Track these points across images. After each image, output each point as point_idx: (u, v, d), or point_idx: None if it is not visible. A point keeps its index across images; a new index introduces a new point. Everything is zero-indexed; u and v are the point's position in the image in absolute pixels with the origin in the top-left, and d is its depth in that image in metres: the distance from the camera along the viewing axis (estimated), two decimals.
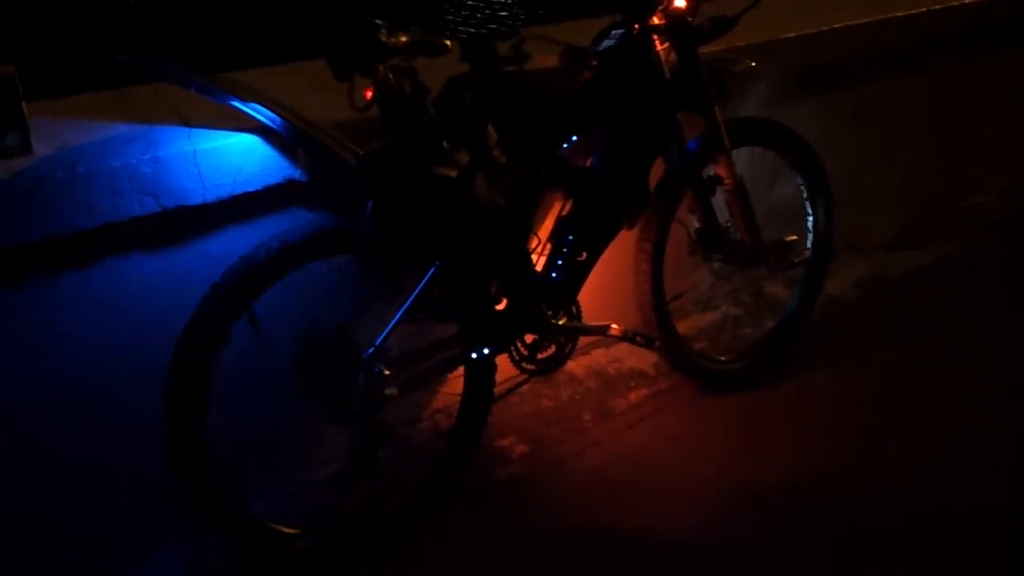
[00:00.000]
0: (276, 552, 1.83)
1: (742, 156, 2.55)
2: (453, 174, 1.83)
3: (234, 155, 1.72)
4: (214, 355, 1.65)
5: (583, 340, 2.37)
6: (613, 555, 1.96)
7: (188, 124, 1.74)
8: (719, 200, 2.35)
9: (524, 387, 2.53)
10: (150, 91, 1.84)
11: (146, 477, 1.72)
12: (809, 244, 2.66)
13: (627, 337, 2.15)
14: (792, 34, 2.67)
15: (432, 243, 1.85)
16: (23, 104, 1.54)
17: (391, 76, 1.74)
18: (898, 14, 2.93)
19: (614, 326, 2.16)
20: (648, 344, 2.16)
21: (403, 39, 1.73)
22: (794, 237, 2.42)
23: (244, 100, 1.69)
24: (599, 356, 2.70)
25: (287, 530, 1.84)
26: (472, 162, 1.88)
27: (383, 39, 1.69)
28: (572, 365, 2.67)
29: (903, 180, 3.22)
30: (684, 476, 2.19)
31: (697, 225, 2.38)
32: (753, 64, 2.35)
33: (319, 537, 1.89)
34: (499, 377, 2.08)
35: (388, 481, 2.03)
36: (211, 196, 1.72)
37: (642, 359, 2.64)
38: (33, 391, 1.66)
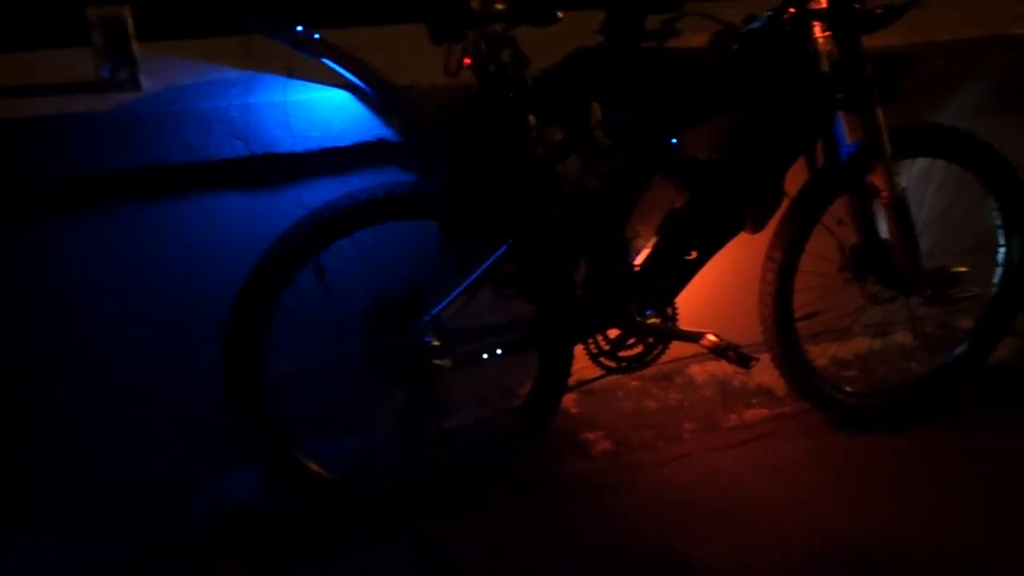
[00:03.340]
0: (316, 494, 1.89)
1: (919, 168, 2.23)
2: (539, 152, 1.75)
3: (325, 109, 1.76)
4: (275, 300, 1.71)
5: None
6: None
7: (291, 75, 1.80)
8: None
9: (632, 383, 2.44)
10: (270, 40, 1.91)
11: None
12: (996, 280, 2.27)
13: (720, 350, 1.96)
14: (1020, 31, 2.24)
15: (506, 220, 1.79)
16: (133, 43, 1.67)
17: (483, 44, 1.69)
18: None
19: (710, 336, 1.98)
20: (742, 363, 1.95)
21: (499, 6, 1.67)
22: (963, 269, 2.07)
23: (328, 58, 1.72)
24: (727, 364, 2.48)
25: (331, 476, 1.89)
26: (565, 141, 1.79)
27: (474, 6, 1.64)
28: (695, 368, 2.52)
29: None
30: (767, 514, 1.97)
31: (855, 240, 2.10)
32: (942, 63, 2.02)
33: (361, 491, 1.93)
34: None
35: (448, 451, 2.04)
36: (300, 147, 1.78)
37: (775, 376, 2.39)
38: (125, 311, 1.83)
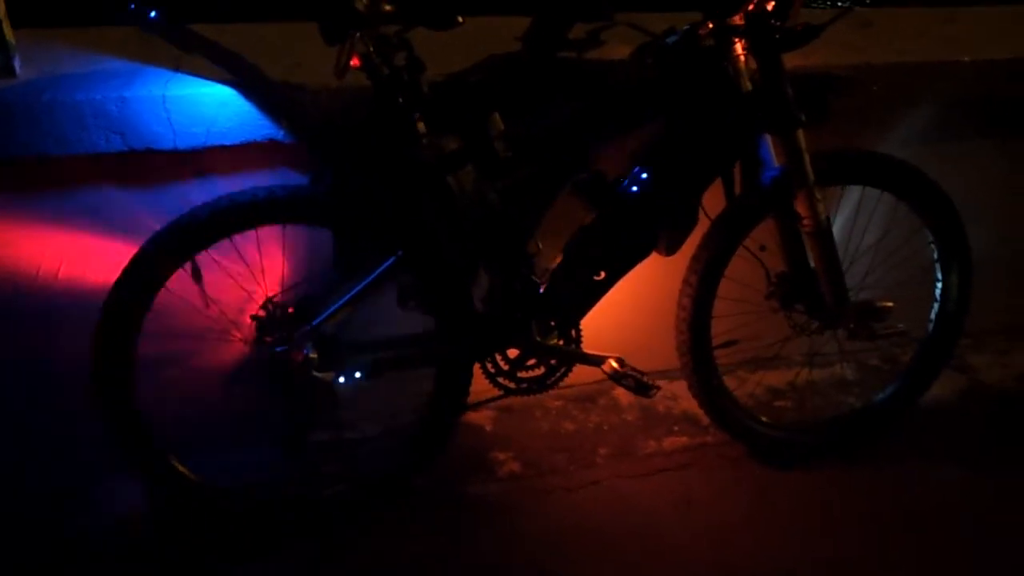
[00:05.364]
0: (199, 506, 1.83)
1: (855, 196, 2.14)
2: (429, 160, 1.67)
3: (208, 106, 1.69)
4: (146, 302, 1.64)
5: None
6: None
7: (178, 68, 1.73)
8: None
9: (553, 403, 2.36)
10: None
11: None
12: (933, 315, 2.16)
13: (618, 377, 1.86)
14: (966, 58, 2.14)
15: (395, 230, 1.71)
16: (6, 26, 1.61)
17: (370, 45, 1.61)
18: None
19: (612, 361, 1.88)
20: (642, 391, 1.85)
21: (387, 7, 1.60)
22: (888, 304, 1.96)
23: (204, 55, 1.65)
24: None
25: (211, 487, 1.83)
26: (460, 151, 1.70)
27: (357, 6, 1.56)
28: (620, 390, 2.41)
29: None
30: (673, 551, 1.87)
31: (783, 268, 2.00)
32: (875, 88, 1.92)
33: (245, 505, 1.86)
34: None
35: (345, 465, 1.96)
36: (182, 143, 1.71)
37: None
38: None
